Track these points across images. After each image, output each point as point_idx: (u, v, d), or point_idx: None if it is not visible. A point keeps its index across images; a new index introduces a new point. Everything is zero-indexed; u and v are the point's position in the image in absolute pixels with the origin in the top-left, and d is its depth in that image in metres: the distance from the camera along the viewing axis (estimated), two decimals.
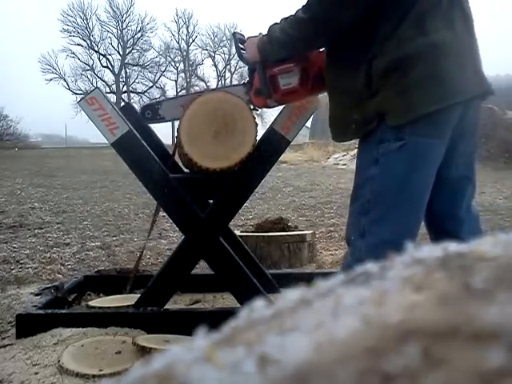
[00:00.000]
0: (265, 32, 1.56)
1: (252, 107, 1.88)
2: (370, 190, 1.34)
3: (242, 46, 1.69)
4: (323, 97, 1.73)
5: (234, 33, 1.78)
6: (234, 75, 41.30)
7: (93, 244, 3.84)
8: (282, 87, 1.61)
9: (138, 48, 37.72)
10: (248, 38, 1.66)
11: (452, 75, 1.30)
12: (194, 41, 39.79)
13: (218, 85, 40.25)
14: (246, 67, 1.72)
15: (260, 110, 1.90)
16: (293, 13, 1.43)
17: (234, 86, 1.94)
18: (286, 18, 1.45)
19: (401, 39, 1.29)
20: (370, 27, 1.32)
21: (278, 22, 1.48)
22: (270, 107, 1.76)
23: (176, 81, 39.28)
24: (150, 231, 2.44)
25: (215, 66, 40.94)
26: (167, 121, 2.02)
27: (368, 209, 1.34)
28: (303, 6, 1.39)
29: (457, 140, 1.37)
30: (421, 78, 1.28)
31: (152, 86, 37.97)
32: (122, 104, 2.68)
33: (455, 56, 1.31)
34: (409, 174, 1.32)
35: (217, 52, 40.71)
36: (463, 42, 1.34)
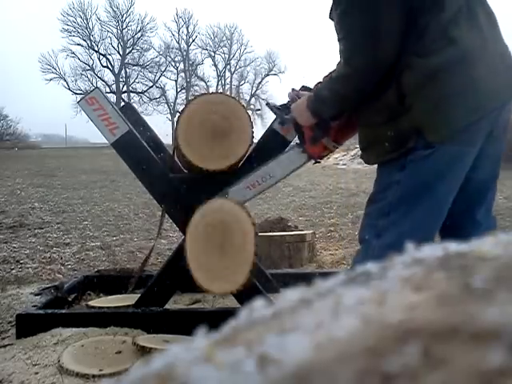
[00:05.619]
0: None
1: (314, 161, 1.84)
2: (393, 193, 1.35)
3: (279, 111, 1.76)
4: None
5: (268, 103, 1.84)
6: (234, 75, 41.37)
7: (93, 244, 3.84)
8: (332, 125, 1.64)
9: (138, 48, 37.75)
10: (291, 104, 1.67)
11: (484, 83, 1.28)
12: (194, 41, 39.83)
13: (217, 84, 40.38)
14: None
15: (321, 160, 1.85)
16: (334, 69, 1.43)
17: (289, 151, 1.91)
18: (330, 76, 1.43)
19: (428, 51, 1.27)
20: None
21: (322, 80, 1.49)
22: (331, 150, 1.75)
23: (176, 81, 39.32)
24: (159, 233, 2.44)
25: (215, 65, 40.97)
26: (244, 202, 1.99)
27: (388, 211, 1.35)
28: (342, 60, 1.37)
29: (487, 143, 1.35)
30: (455, 91, 1.26)
31: (152, 86, 37.98)
32: (122, 104, 2.68)
33: (486, 62, 1.29)
34: (434, 181, 1.32)
35: (217, 52, 40.76)
36: (492, 45, 1.32)
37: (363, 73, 1.34)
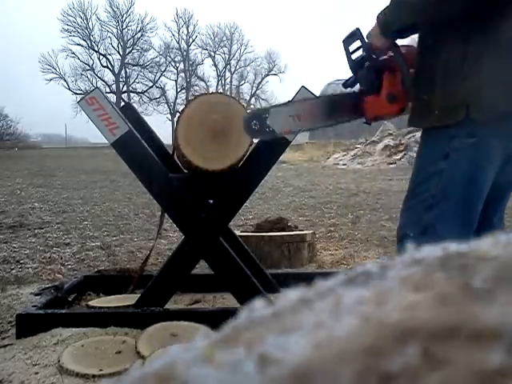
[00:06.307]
0: None
1: (365, 121, 1.54)
2: (437, 184, 1.31)
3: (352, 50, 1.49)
4: None
5: (355, 32, 1.49)
6: (234, 75, 41.37)
7: (93, 244, 3.84)
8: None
9: (138, 48, 37.82)
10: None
11: None
12: (194, 41, 39.88)
13: (217, 84, 40.39)
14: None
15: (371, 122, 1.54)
16: None
17: (340, 95, 1.56)
18: None
19: (501, 25, 1.25)
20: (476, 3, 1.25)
21: None
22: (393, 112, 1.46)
23: (176, 81, 39.36)
24: (158, 233, 2.45)
25: (215, 65, 41.01)
26: (277, 135, 1.57)
27: (431, 204, 1.31)
28: None
29: None
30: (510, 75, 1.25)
31: (152, 86, 38.03)
32: (122, 104, 2.68)
33: None
34: (477, 172, 1.29)
35: (217, 52, 40.80)
36: None
37: None
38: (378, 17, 1.40)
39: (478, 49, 1.27)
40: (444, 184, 1.30)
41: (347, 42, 1.49)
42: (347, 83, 1.52)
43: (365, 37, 1.46)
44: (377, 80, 1.44)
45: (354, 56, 1.49)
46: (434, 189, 1.31)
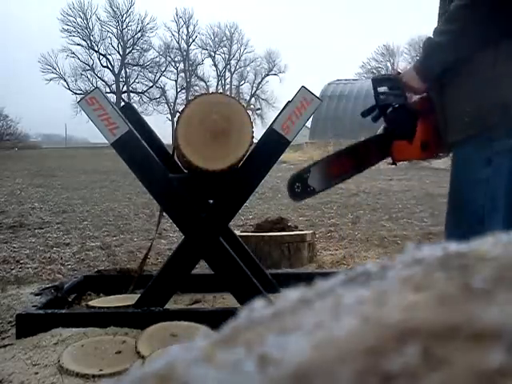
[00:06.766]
0: None
1: (392, 162, 1.53)
2: (484, 193, 1.25)
3: (381, 90, 1.45)
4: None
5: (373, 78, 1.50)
6: (234, 75, 41.38)
7: (93, 244, 3.84)
8: None
9: (138, 48, 37.82)
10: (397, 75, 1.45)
11: None
12: (194, 41, 39.89)
13: (217, 84, 40.40)
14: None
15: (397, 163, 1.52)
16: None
17: (368, 141, 1.57)
18: (440, 24, 1.33)
19: None
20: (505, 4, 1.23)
21: (431, 35, 1.36)
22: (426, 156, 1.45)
23: (176, 81, 39.36)
24: (156, 232, 2.44)
25: (215, 65, 41.01)
26: (316, 193, 1.61)
27: (482, 215, 1.25)
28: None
29: None
30: None
31: (152, 86, 38.03)
32: (122, 104, 2.68)
33: None
34: None
35: (217, 52, 40.81)
36: None
37: (482, 3, 1.23)
38: (415, 66, 1.39)
39: (507, 51, 1.24)
40: (493, 192, 1.24)
41: (379, 82, 1.48)
42: (369, 115, 1.50)
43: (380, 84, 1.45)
44: (410, 126, 1.42)
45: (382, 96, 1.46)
46: (483, 199, 1.25)
